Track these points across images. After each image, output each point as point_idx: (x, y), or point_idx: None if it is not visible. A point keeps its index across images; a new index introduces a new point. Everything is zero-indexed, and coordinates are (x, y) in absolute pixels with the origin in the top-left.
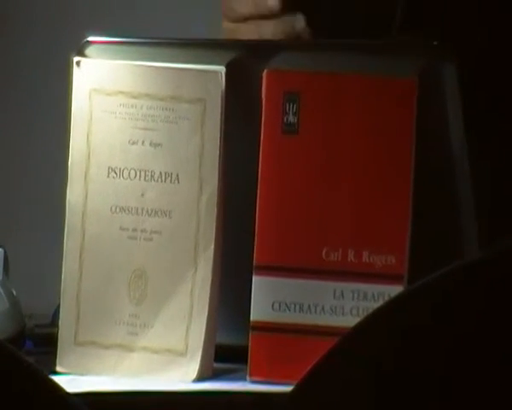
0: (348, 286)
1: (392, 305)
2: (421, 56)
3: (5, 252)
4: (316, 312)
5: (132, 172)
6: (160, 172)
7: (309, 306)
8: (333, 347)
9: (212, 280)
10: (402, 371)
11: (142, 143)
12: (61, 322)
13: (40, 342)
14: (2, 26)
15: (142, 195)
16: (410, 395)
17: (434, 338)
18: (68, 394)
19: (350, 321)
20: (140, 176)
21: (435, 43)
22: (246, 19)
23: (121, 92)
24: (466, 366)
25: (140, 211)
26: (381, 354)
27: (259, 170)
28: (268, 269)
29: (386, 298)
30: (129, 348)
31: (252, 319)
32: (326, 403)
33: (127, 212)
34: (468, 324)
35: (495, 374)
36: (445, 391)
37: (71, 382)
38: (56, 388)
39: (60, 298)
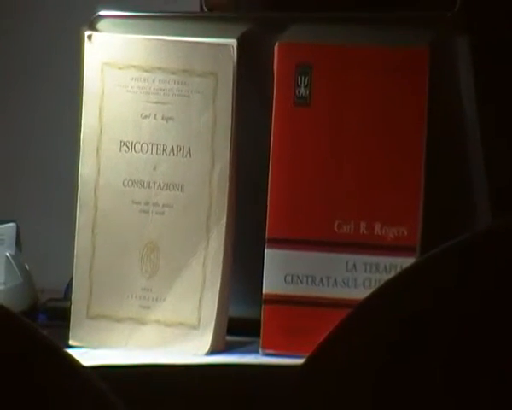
0: (360, 258)
1: (403, 277)
2: (434, 27)
3: (18, 227)
4: (328, 284)
5: (144, 146)
6: (172, 146)
7: (321, 278)
8: (345, 319)
9: (225, 253)
10: (409, 342)
11: (155, 116)
12: (74, 296)
13: (53, 315)
14: (13, 2)
15: (155, 168)
16: (420, 364)
17: (441, 315)
18: (83, 366)
19: (362, 293)
20: (152, 150)
21: (448, 14)
22: None
23: (133, 66)
24: (475, 341)
25: (152, 185)
26: (391, 326)
27: (271, 143)
28: (280, 242)
29: (399, 270)
30: (141, 322)
31: (264, 291)
32: (338, 375)
33: (139, 186)
34: (477, 300)
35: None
36: (452, 362)
37: (83, 355)
38: (71, 360)
39: (72, 272)
